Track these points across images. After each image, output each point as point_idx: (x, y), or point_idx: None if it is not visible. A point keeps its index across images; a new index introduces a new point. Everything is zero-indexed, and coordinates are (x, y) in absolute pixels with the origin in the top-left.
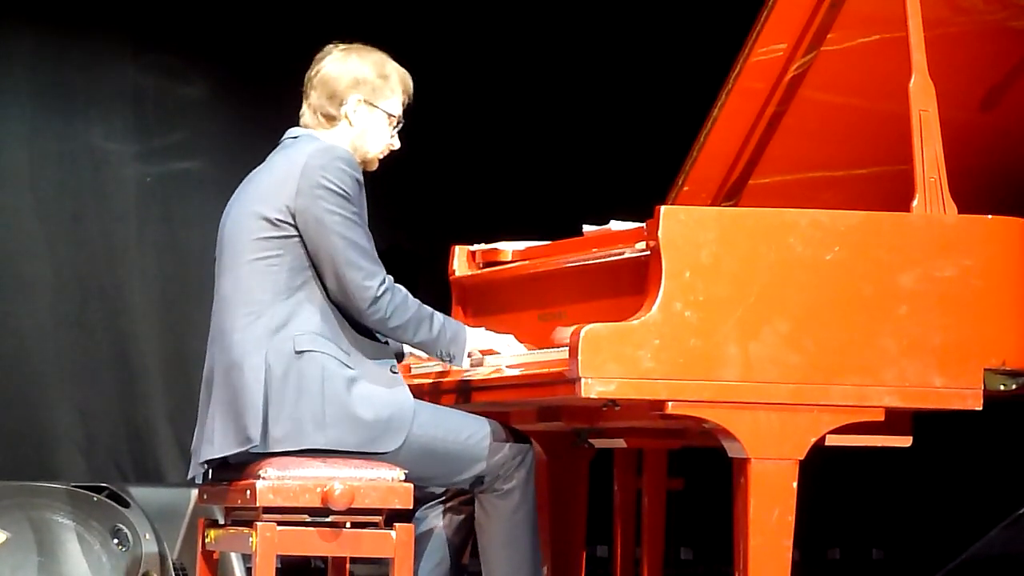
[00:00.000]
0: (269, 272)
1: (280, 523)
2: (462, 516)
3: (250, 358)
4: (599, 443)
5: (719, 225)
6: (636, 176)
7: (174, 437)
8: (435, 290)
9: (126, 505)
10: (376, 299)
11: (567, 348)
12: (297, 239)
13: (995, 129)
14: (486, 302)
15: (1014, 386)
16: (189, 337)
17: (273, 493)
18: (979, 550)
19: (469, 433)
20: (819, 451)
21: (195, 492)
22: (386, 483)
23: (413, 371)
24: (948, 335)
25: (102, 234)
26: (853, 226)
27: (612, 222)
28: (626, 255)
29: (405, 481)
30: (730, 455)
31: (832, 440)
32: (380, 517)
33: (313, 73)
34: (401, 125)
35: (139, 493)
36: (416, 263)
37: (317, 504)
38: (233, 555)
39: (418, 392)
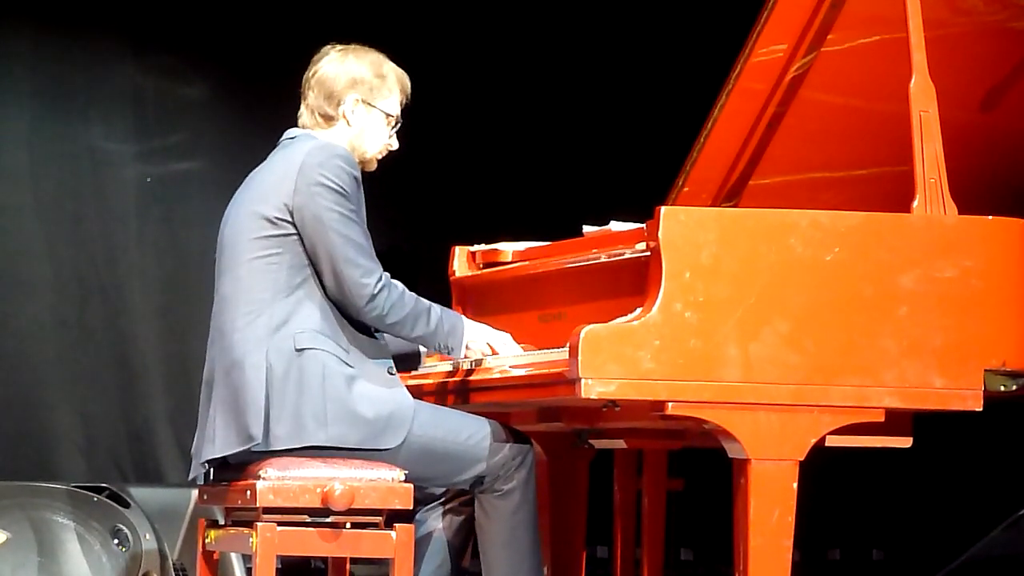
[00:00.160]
0: (269, 271)
1: (280, 523)
2: (462, 517)
3: (251, 357)
4: (599, 444)
5: (719, 226)
6: (636, 177)
7: (174, 437)
8: (435, 290)
9: (126, 505)
10: (373, 296)
11: (567, 349)
12: (296, 237)
13: (995, 130)
14: (486, 303)
15: (1014, 387)
16: (189, 337)
17: (273, 493)
18: (979, 551)
19: (469, 433)
20: (819, 452)
21: (195, 492)
22: (386, 483)
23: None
24: (948, 336)
25: (102, 234)
26: (853, 227)
27: (612, 223)
28: (626, 256)
29: (405, 482)
30: (730, 456)
31: (832, 441)
32: (380, 517)
33: (311, 74)
34: (399, 125)
35: (139, 493)
36: (416, 263)
37: (317, 504)
38: (233, 555)
39: (419, 392)
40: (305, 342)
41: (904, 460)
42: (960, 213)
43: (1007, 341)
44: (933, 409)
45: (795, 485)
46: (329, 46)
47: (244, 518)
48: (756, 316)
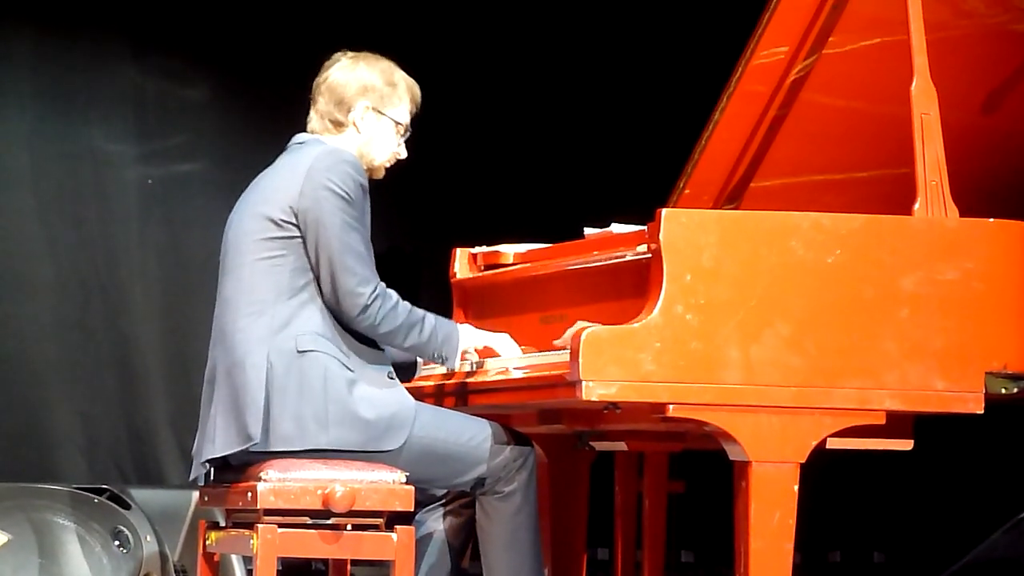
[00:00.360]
0: (272, 272)
1: (281, 525)
2: (462, 519)
3: (252, 357)
4: (600, 446)
5: (720, 228)
6: (637, 179)
7: (175, 439)
8: (436, 292)
9: (127, 507)
10: (366, 306)
11: (568, 351)
12: (300, 240)
13: (997, 132)
14: (487, 304)
15: (1015, 390)
16: (190, 339)
17: (274, 495)
18: (980, 554)
19: (471, 435)
20: (820, 454)
21: (196, 494)
22: (387, 485)
23: (415, 373)
24: (949, 338)
25: (103, 236)
26: (855, 229)
27: (613, 225)
28: (627, 258)
29: (406, 483)
30: (731, 458)
31: (833, 443)
32: (381, 519)
33: (321, 79)
34: (408, 134)
35: (140, 495)
36: (417, 265)
37: (318, 506)
38: (234, 557)
39: (419, 395)
40: (307, 344)
41: (905, 463)
42: (961, 215)
43: (1008, 344)
44: (934, 411)
45: (796, 487)
46: (340, 52)
47: (245, 520)
48: (757, 318)
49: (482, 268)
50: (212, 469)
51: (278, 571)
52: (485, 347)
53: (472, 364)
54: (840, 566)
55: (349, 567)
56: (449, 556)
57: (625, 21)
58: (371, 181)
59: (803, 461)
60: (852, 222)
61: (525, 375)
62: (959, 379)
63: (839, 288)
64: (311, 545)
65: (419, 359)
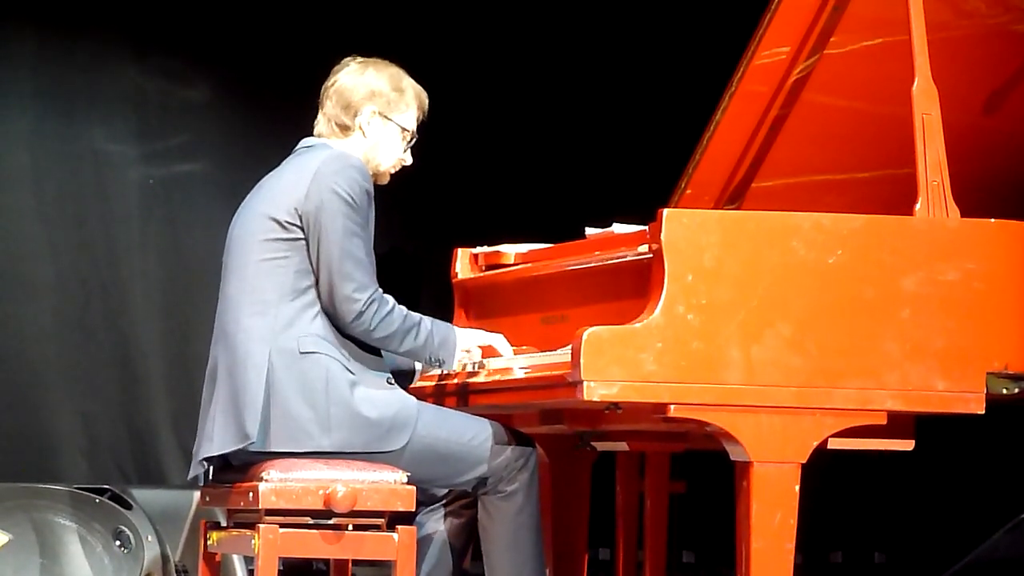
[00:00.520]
0: (276, 273)
1: (282, 525)
2: (463, 519)
3: (253, 356)
4: (601, 446)
5: (722, 228)
6: (639, 179)
7: (176, 439)
8: (437, 292)
9: (128, 507)
10: (360, 312)
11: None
12: (304, 242)
13: (998, 132)
14: (488, 305)
15: (1016, 390)
16: (191, 339)
17: (276, 495)
18: (982, 554)
19: (472, 434)
20: (821, 454)
21: (197, 494)
22: (389, 485)
23: (417, 374)
24: (951, 339)
25: (104, 236)
26: (856, 229)
27: (615, 225)
28: (628, 258)
29: (408, 483)
30: (732, 458)
31: (834, 443)
32: (383, 519)
33: (330, 83)
34: (414, 141)
35: (141, 495)
36: (418, 265)
37: (320, 506)
38: (235, 557)
39: (420, 395)
40: (309, 346)
41: (906, 463)
42: (962, 216)
43: (1009, 344)
44: (935, 412)
45: (797, 488)
46: (350, 58)
47: (246, 520)
48: (758, 319)
49: (483, 268)
50: (211, 468)
51: (279, 571)
52: (488, 345)
53: (474, 364)
54: (841, 566)
55: (350, 567)
56: (450, 557)
57: (626, 21)
58: (375, 184)
59: (804, 461)
60: (853, 222)
61: (527, 375)
62: (960, 379)
63: (840, 288)
64: (312, 545)
65: (418, 367)
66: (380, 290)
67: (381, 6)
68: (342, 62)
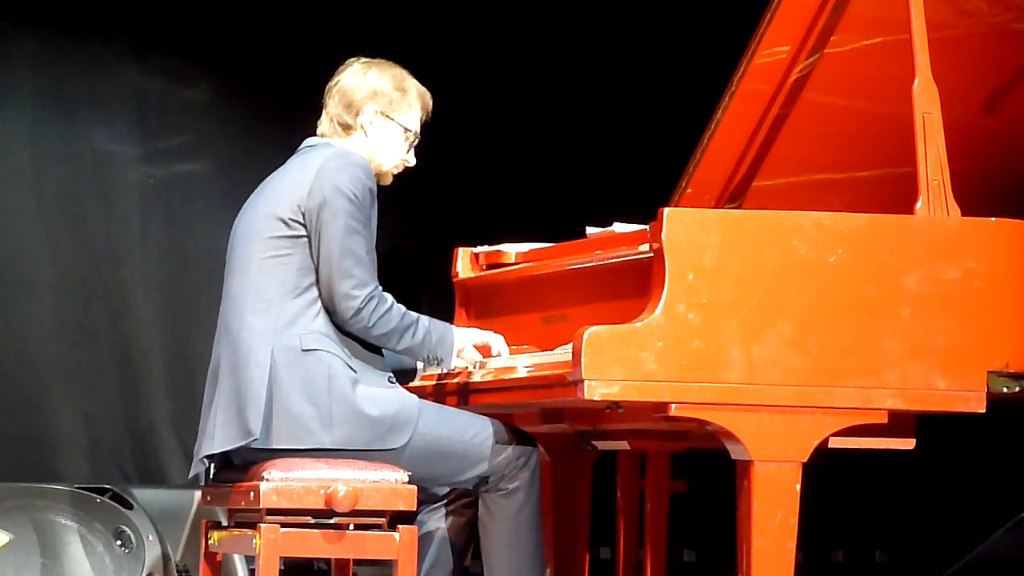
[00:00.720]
0: (279, 270)
1: (283, 525)
2: (464, 518)
3: (256, 353)
4: (602, 445)
5: (722, 227)
6: (639, 178)
7: (177, 439)
8: (438, 292)
9: (129, 507)
10: (359, 310)
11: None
12: (306, 240)
13: (998, 131)
14: (489, 304)
15: (1017, 388)
16: (192, 338)
17: (277, 495)
18: (982, 553)
19: (474, 432)
20: (822, 453)
21: (198, 494)
22: (390, 485)
23: (418, 373)
24: (951, 337)
25: (105, 236)
26: (856, 228)
27: (615, 224)
28: (629, 257)
29: (409, 483)
30: (733, 457)
31: (835, 442)
32: (384, 519)
33: (333, 83)
34: (417, 141)
35: (142, 495)
36: (419, 265)
37: (321, 506)
38: (236, 557)
39: (421, 394)
40: (311, 343)
41: (907, 462)
42: (963, 215)
43: (1010, 343)
44: (936, 411)
45: (798, 486)
46: (354, 58)
47: (247, 519)
48: (759, 317)
49: (484, 267)
50: (212, 467)
51: (280, 571)
52: (486, 343)
53: (473, 364)
54: (842, 565)
55: (351, 567)
56: (451, 555)
57: (626, 21)
58: (377, 184)
59: (805, 460)
60: (854, 221)
61: (528, 374)
62: (961, 378)
63: (841, 287)
64: (313, 545)
65: (419, 366)
66: (379, 288)
67: (382, 6)
68: (346, 63)
